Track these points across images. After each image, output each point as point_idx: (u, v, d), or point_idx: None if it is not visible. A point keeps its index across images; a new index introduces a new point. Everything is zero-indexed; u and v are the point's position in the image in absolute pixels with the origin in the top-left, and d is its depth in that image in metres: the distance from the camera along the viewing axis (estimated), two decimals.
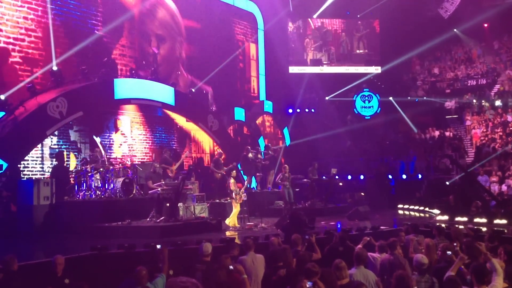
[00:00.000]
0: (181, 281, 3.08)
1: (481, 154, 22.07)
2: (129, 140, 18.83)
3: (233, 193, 14.26)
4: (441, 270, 6.66)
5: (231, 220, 14.28)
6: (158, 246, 8.80)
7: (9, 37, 15.30)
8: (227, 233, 13.24)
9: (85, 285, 6.35)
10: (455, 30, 29.66)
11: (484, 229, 12.18)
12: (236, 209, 14.36)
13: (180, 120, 20.33)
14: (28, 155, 15.00)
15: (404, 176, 22.29)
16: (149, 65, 19.52)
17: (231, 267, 6.53)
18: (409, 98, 29.45)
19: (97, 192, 14.56)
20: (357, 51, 29.52)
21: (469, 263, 6.64)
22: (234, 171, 15.04)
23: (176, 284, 3.70)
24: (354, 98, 29.78)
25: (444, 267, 6.77)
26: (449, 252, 7.36)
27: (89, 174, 14.66)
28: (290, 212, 13.59)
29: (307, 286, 5.64)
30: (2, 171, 13.43)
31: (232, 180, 14.47)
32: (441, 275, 6.38)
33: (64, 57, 16.09)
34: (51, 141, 15.90)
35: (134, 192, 14.85)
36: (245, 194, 14.76)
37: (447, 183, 20.03)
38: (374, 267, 7.53)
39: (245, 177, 17.46)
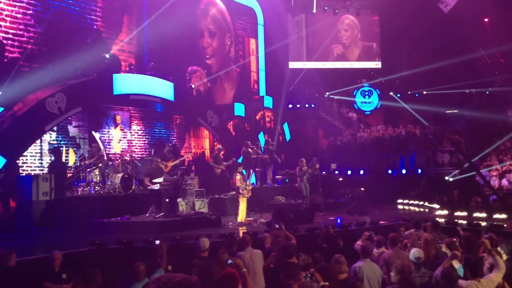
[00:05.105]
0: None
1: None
2: (128, 136, 18.81)
3: (240, 189, 14.16)
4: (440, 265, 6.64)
5: (241, 216, 14.12)
6: (157, 242, 8.79)
7: (8, 33, 15.24)
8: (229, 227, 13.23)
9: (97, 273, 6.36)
10: None
11: (483, 223, 12.19)
12: (243, 204, 14.19)
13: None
14: (27, 151, 14.99)
15: (404, 171, 22.28)
16: (200, 58, 21.79)
17: (230, 261, 6.50)
18: (409, 92, 29.36)
19: (96, 187, 14.54)
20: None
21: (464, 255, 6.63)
22: (241, 167, 14.97)
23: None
24: (354, 94, 29.77)
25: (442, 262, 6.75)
26: (440, 241, 7.37)
27: (88, 169, 14.64)
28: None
29: (303, 276, 5.65)
30: (0, 167, 13.41)
31: (238, 176, 14.35)
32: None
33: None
34: (50, 137, 15.87)
35: (133, 187, 14.84)
36: (252, 185, 14.77)
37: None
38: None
39: (244, 172, 17.44)
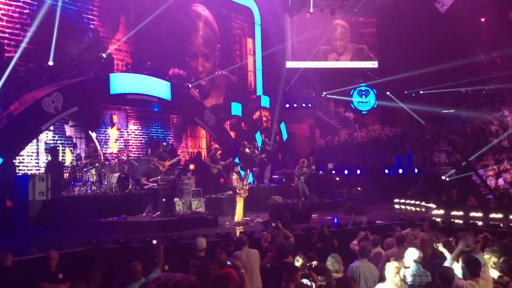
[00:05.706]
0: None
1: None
2: (125, 135, 18.79)
3: (237, 189, 14.13)
4: (437, 265, 6.63)
5: (238, 216, 14.08)
6: (154, 241, 8.78)
7: (4, 32, 15.21)
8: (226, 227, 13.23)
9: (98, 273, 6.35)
10: None
11: (480, 223, 12.22)
12: (240, 203, 14.16)
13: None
14: (24, 151, 14.95)
15: (400, 171, 22.30)
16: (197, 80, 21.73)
17: (228, 262, 6.49)
18: (406, 92, 29.40)
19: (93, 187, 14.51)
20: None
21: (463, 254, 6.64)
22: (237, 167, 14.95)
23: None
24: (351, 93, 29.82)
25: (440, 262, 6.75)
26: (436, 240, 7.39)
27: (85, 169, 14.61)
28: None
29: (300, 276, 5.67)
30: None
31: (235, 176, 14.34)
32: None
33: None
34: (47, 136, 15.84)
35: (130, 187, 14.82)
36: (249, 185, 14.79)
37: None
38: None
39: (242, 172, 17.44)
